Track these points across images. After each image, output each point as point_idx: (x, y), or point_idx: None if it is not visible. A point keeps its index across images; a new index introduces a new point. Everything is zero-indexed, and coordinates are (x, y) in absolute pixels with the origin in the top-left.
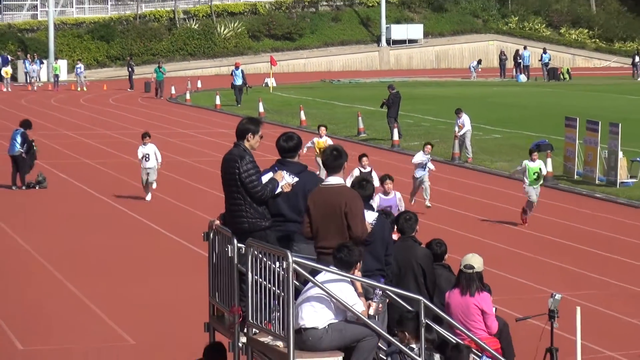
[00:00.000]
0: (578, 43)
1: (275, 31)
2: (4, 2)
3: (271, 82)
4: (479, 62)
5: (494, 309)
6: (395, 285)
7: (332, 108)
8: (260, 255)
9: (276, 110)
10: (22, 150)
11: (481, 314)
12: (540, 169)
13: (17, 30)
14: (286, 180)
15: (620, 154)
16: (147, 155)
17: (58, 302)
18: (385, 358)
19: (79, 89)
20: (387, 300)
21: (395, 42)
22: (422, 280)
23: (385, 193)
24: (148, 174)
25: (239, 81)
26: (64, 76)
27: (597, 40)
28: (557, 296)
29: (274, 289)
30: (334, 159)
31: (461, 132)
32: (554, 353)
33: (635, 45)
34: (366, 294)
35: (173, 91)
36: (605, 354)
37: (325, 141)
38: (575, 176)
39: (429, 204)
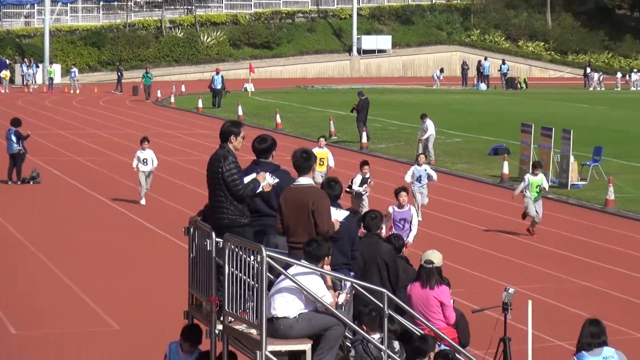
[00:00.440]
0: (534, 55)
1: (255, 40)
2: (3, 10)
3: (250, 87)
4: (442, 70)
5: (452, 301)
6: (361, 279)
7: (306, 112)
8: (237, 249)
9: (254, 113)
10: (19, 148)
11: (440, 306)
12: (541, 182)
13: (15, 36)
14: (267, 181)
15: (572, 158)
16: (145, 160)
17: (49, 290)
18: (350, 345)
19: (72, 91)
20: (354, 292)
21: (366, 51)
22: (385, 274)
23: (400, 206)
24: (145, 177)
25: (218, 85)
26: (58, 79)
27: (552, 52)
28: (511, 290)
29: (248, 280)
30: (303, 161)
31: (425, 136)
32: (507, 342)
33: (587, 58)
34: (334, 287)
35: (159, 94)
36: (554, 343)
37: (326, 152)
38: None
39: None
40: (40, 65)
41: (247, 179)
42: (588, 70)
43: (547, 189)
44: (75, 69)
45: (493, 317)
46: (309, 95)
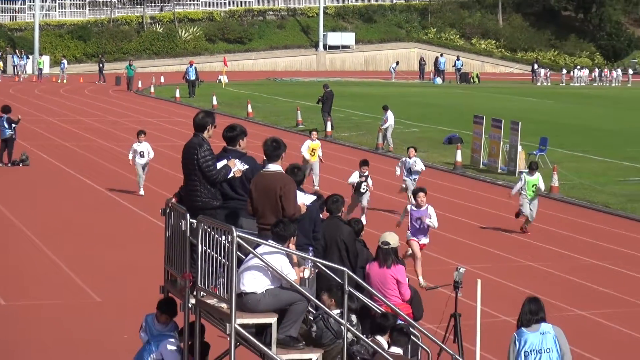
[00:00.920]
0: (486, 52)
1: (229, 35)
2: None
3: (224, 79)
4: (397, 63)
5: (407, 279)
6: (323, 258)
7: (275, 103)
8: (209, 230)
9: (227, 103)
10: (12, 133)
11: (396, 284)
12: (537, 181)
13: (7, 30)
14: (238, 167)
15: (520, 148)
16: (142, 152)
17: (37, 264)
18: (312, 319)
19: (59, 80)
20: (317, 271)
21: (331, 47)
22: (345, 254)
23: (418, 205)
24: (142, 168)
25: (192, 76)
26: (47, 70)
27: (503, 50)
28: (462, 269)
29: (220, 258)
30: (273, 149)
31: (385, 126)
32: (457, 318)
33: (534, 55)
34: (299, 265)
35: (140, 85)
36: (501, 319)
37: (318, 144)
38: (481, 166)
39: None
40: (31, 57)
41: (219, 165)
42: (535, 66)
43: (542, 189)
44: (65, 61)
45: (444, 294)
46: (278, 87)
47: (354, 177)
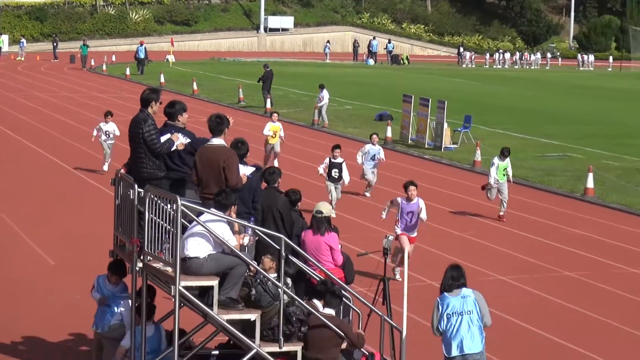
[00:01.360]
0: (416, 36)
1: (176, 18)
2: None
3: (171, 58)
4: (328, 42)
5: (339, 246)
6: (261, 226)
7: (218, 81)
8: (156, 199)
9: (174, 81)
10: None
11: (329, 250)
12: (508, 165)
13: None
14: (180, 140)
15: (445, 125)
16: (108, 132)
17: None
18: (251, 283)
19: (18, 58)
20: (256, 238)
21: (271, 30)
22: (280, 223)
23: (408, 199)
24: (108, 147)
25: (142, 55)
26: (6, 48)
27: (431, 34)
28: (390, 237)
29: (165, 225)
30: (217, 124)
31: (320, 104)
32: (386, 281)
33: (460, 39)
34: (240, 232)
35: (93, 63)
36: (426, 283)
37: (278, 126)
38: (409, 141)
39: (367, 194)
40: None
41: (163, 139)
42: (461, 49)
43: (511, 175)
44: (24, 40)
45: (374, 260)
46: (221, 66)
47: (323, 165)
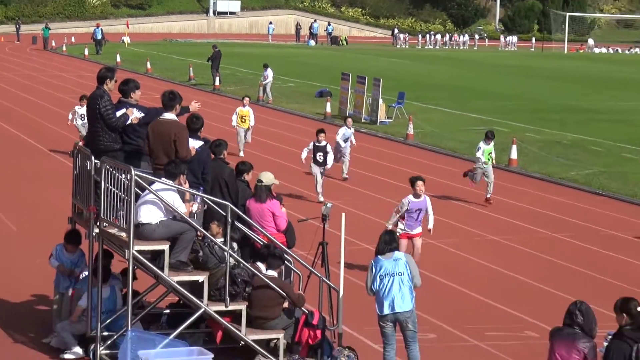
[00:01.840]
0: (354, 18)
1: (131, 2)
2: None
3: (126, 39)
4: (270, 23)
5: (283, 211)
6: (208, 194)
7: (171, 61)
8: (111, 169)
9: (130, 60)
10: None
11: (272, 216)
12: (492, 149)
13: None
14: (135, 115)
15: (381, 101)
16: (83, 115)
17: None
18: (199, 246)
19: None
20: (205, 206)
21: (220, 13)
22: (226, 191)
23: (417, 195)
24: (84, 127)
25: (99, 36)
26: None
27: (368, 17)
28: (329, 204)
29: (120, 194)
30: (169, 100)
31: (265, 81)
32: (324, 245)
33: (395, 22)
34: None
35: (54, 44)
36: (362, 246)
37: (248, 110)
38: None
39: (346, 176)
40: None
41: (118, 114)
42: (396, 31)
43: (494, 158)
44: None
45: (314, 225)
46: (173, 47)
47: (307, 149)
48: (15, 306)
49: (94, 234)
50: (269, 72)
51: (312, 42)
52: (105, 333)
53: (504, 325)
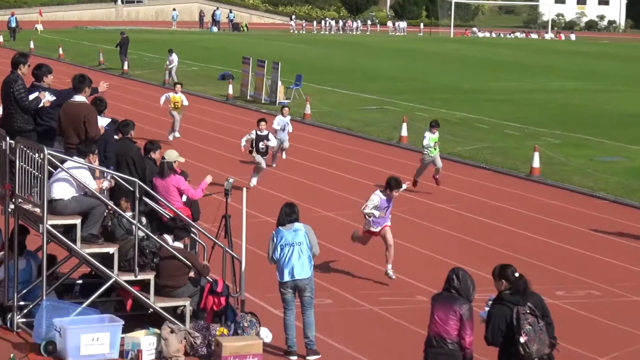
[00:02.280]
0: (254, 6)
1: None
2: None
3: (40, 27)
4: (174, 9)
5: (188, 184)
6: (117, 171)
7: (81, 46)
8: (25, 149)
9: (43, 47)
10: None
11: (177, 191)
12: (437, 139)
13: None
14: (47, 98)
15: (279, 83)
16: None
17: None
18: (109, 219)
19: None
20: (114, 183)
21: (128, 2)
22: (133, 169)
23: (389, 197)
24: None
25: (13, 24)
26: None
27: (267, 4)
28: (231, 180)
29: (34, 172)
30: (78, 82)
31: (171, 66)
32: (227, 218)
33: (292, 9)
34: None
35: None
36: (263, 219)
37: (180, 97)
38: (248, 97)
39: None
40: None
41: (31, 97)
42: (293, 17)
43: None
44: None
45: (218, 199)
46: (84, 34)
47: (248, 137)
48: None
49: (9, 210)
50: (174, 57)
51: (215, 29)
52: (22, 303)
53: (396, 291)
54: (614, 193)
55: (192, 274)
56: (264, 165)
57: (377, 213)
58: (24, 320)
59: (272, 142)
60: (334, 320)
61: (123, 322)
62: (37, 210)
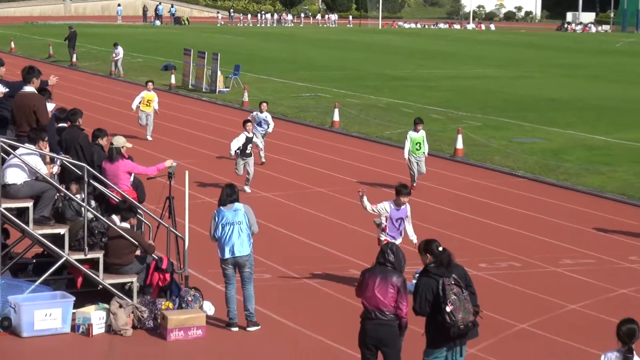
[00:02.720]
0: (194, 1)
1: None
2: None
3: None
4: (119, 5)
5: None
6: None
7: (32, 40)
8: None
9: None
10: None
11: (127, 174)
12: (422, 139)
13: None
14: (0, 89)
15: (219, 73)
16: None
17: None
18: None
19: None
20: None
21: None
22: (82, 154)
23: (399, 205)
24: None
25: None
26: None
27: None
28: (174, 163)
29: None
30: (27, 74)
31: (117, 58)
32: (171, 200)
33: (231, 3)
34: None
35: None
36: (205, 200)
37: (153, 95)
38: (190, 86)
39: (263, 160)
40: None
41: None
42: (232, 11)
43: (426, 151)
44: None
45: (162, 182)
46: (34, 29)
47: (239, 142)
48: None
49: None
50: (120, 50)
51: (158, 23)
52: None
53: (330, 265)
54: (532, 172)
55: (138, 252)
56: (250, 169)
57: (377, 213)
58: None
59: (259, 143)
60: (272, 293)
61: (74, 298)
62: None
